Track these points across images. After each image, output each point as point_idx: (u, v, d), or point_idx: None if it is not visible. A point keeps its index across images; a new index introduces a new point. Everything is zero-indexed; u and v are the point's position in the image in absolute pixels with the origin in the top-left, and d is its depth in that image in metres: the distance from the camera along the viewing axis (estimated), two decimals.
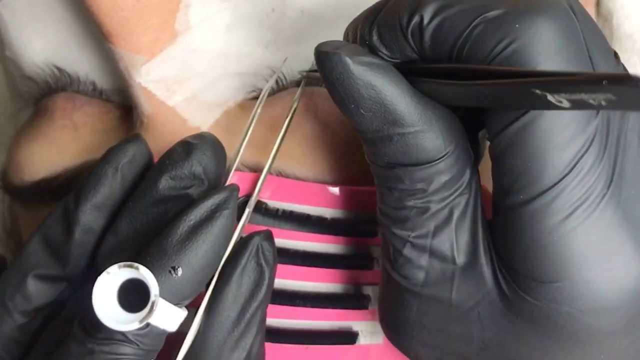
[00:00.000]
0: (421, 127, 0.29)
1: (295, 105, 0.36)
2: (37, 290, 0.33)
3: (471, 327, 0.31)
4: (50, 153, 0.40)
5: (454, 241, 0.30)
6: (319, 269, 0.36)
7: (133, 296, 0.30)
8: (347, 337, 0.36)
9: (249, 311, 0.32)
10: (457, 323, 0.31)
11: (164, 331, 0.31)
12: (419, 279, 0.31)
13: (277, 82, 0.37)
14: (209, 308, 0.32)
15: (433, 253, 0.31)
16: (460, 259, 0.30)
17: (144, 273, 0.29)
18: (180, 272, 0.31)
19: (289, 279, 0.36)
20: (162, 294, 0.30)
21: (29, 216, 0.42)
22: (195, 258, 0.31)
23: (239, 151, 0.35)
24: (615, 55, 0.30)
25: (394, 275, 0.31)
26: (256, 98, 0.38)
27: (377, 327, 0.36)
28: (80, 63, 0.39)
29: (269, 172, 0.36)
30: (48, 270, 0.33)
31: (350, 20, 0.37)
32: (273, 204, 0.36)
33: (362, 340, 0.36)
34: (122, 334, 0.30)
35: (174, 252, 0.31)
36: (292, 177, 0.36)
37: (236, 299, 0.32)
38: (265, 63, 0.37)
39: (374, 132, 0.29)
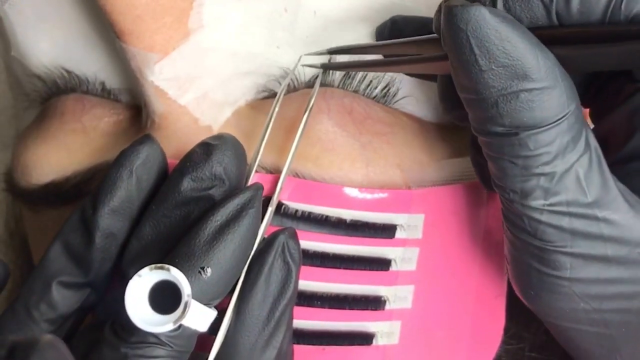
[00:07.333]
0: (549, 83, 0.28)
1: (310, 105, 0.35)
2: (62, 298, 0.32)
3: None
4: (60, 156, 0.39)
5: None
6: (337, 270, 0.36)
7: (162, 298, 0.29)
8: (364, 338, 0.36)
9: (279, 309, 0.32)
10: (618, 268, 0.30)
11: (195, 331, 0.30)
12: (566, 239, 0.30)
13: (288, 83, 0.37)
14: (239, 308, 0.32)
15: (572, 214, 0.30)
16: (602, 213, 0.30)
17: (175, 274, 0.29)
18: (209, 272, 0.30)
19: (307, 279, 0.35)
20: (193, 295, 0.29)
21: (35, 218, 0.41)
22: (223, 258, 0.31)
23: (258, 151, 0.35)
24: None
25: (536, 242, 0.30)
26: (267, 98, 0.38)
27: (394, 328, 0.37)
28: (89, 62, 0.38)
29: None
30: (71, 277, 0.33)
31: (363, 21, 0.37)
32: (292, 204, 0.35)
33: (379, 341, 0.36)
34: (155, 336, 0.29)
35: (202, 253, 0.30)
36: (309, 179, 0.36)
37: (265, 298, 0.32)
38: (277, 63, 0.37)
39: (501, 89, 0.28)
